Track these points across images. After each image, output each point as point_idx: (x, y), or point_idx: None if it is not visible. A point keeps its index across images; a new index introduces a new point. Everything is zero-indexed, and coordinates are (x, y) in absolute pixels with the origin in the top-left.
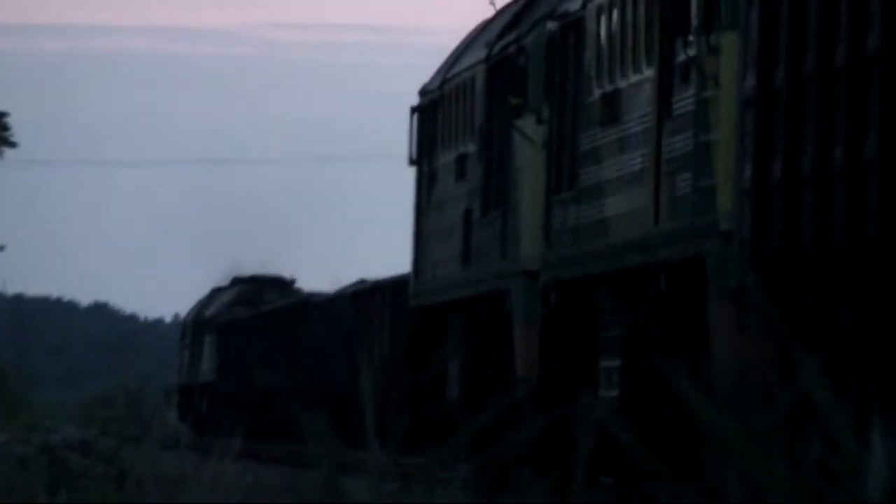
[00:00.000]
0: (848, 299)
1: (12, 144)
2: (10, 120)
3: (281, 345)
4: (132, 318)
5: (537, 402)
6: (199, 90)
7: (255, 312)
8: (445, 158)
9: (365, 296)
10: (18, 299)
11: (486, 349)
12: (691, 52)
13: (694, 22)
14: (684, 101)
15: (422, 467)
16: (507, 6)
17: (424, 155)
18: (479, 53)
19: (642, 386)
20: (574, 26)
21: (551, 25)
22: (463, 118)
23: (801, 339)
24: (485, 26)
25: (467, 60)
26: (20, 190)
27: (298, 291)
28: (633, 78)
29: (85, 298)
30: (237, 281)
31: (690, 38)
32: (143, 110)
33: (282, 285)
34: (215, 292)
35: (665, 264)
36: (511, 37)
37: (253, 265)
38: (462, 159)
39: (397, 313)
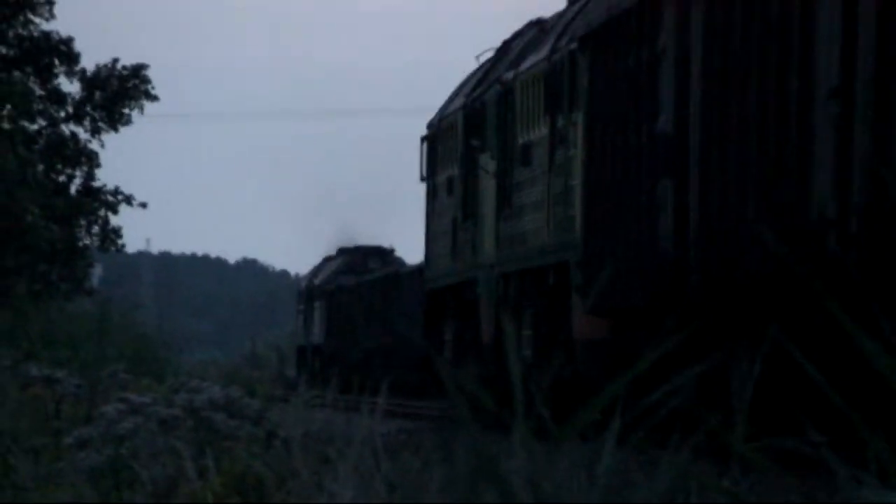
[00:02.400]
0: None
1: (153, 98)
2: (149, 73)
3: (378, 310)
4: (283, 275)
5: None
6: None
7: (357, 281)
8: (441, 178)
9: None
10: (165, 257)
11: (467, 321)
12: (561, 123)
13: (564, 103)
14: (560, 156)
15: (568, 429)
16: (486, 61)
17: (430, 174)
18: (460, 101)
19: (546, 349)
20: (510, 91)
21: (498, 88)
22: (451, 149)
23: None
24: (469, 77)
25: (454, 105)
26: (163, 145)
27: (397, 260)
28: (536, 135)
29: (233, 255)
30: (343, 251)
31: (561, 113)
32: (282, 55)
33: (382, 254)
34: (325, 261)
35: (552, 266)
36: (477, 92)
37: (362, 233)
38: (451, 180)
39: None
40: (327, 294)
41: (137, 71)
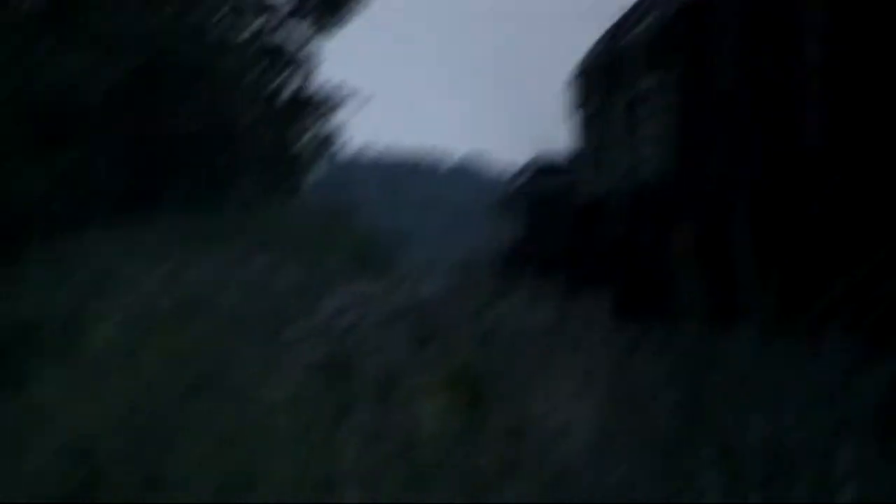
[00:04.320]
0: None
1: None
2: None
3: None
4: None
5: None
6: None
7: (555, 185)
8: (588, 110)
9: None
10: (389, 155)
11: None
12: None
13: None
14: (645, 107)
15: (802, 324)
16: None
17: (580, 105)
18: (596, 51)
19: None
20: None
21: None
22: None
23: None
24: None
25: (594, 54)
26: (387, 37)
27: None
28: (642, 83)
29: (458, 151)
30: (541, 159)
31: None
32: None
33: None
34: (524, 168)
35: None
36: (606, 45)
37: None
38: (593, 113)
39: None
40: (527, 198)
41: None
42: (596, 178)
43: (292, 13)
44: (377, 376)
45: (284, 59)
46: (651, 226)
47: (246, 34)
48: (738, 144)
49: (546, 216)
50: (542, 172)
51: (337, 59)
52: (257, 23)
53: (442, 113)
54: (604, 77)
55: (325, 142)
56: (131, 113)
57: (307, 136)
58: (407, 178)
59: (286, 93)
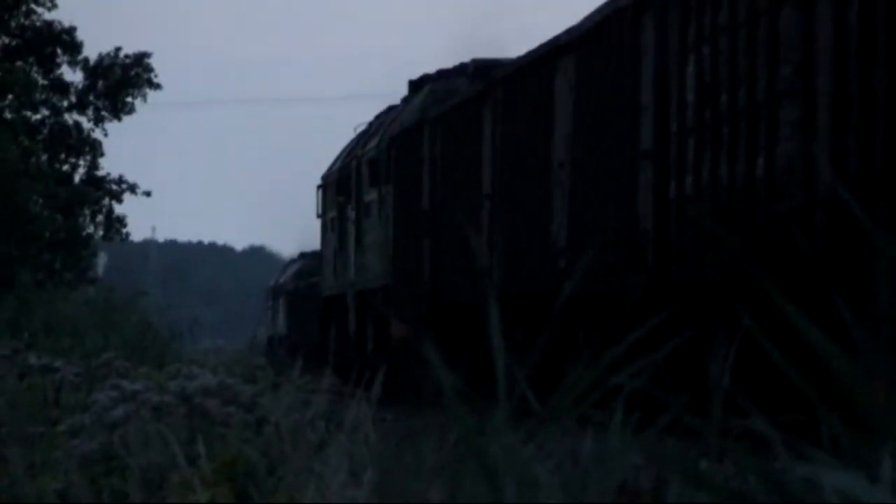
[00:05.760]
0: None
1: (156, 86)
2: (151, 61)
3: None
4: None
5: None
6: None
7: (309, 282)
8: (328, 217)
9: None
10: (171, 245)
11: (343, 319)
12: (384, 191)
13: (383, 178)
14: (383, 214)
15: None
16: (360, 132)
17: (322, 213)
18: (339, 164)
19: (381, 343)
20: (359, 164)
21: (355, 161)
22: (332, 198)
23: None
24: (350, 142)
25: (336, 166)
26: (166, 133)
27: None
28: (371, 197)
29: (240, 243)
30: (302, 255)
31: (384, 185)
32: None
33: None
34: (289, 264)
35: (381, 287)
36: (347, 160)
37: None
38: (332, 220)
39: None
40: (288, 293)
41: (140, 59)
42: (335, 279)
43: (80, 100)
44: (147, 469)
45: (73, 146)
46: (376, 321)
47: (35, 119)
48: (443, 254)
49: (303, 310)
50: (302, 269)
51: (126, 147)
52: (46, 109)
53: (222, 206)
54: (339, 189)
55: (113, 228)
56: None
57: (96, 222)
58: (191, 268)
59: (75, 178)
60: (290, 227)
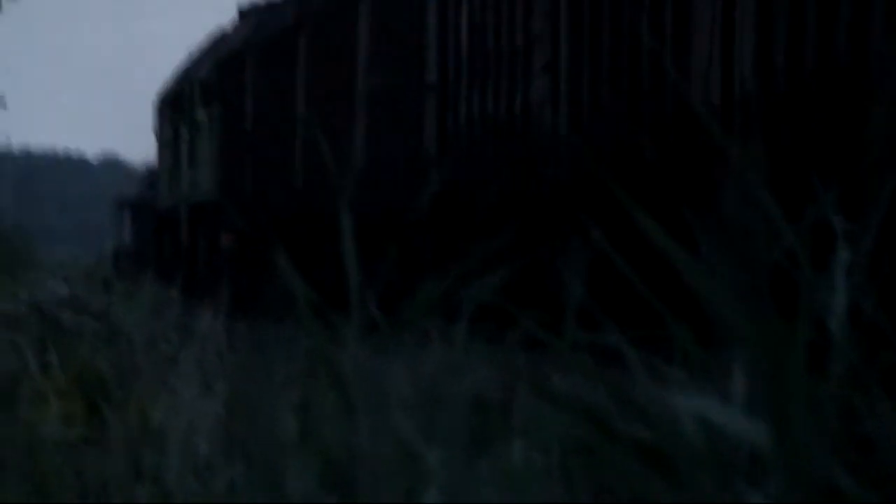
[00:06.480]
0: None
1: None
2: None
3: None
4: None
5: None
6: None
7: (153, 195)
8: (165, 135)
9: None
10: (25, 154)
11: (175, 233)
12: (213, 111)
13: (214, 99)
14: (213, 131)
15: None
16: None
17: (159, 131)
18: (173, 85)
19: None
20: (192, 85)
21: (189, 82)
22: (168, 116)
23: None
24: (186, 59)
25: (169, 88)
26: (21, 42)
27: None
28: (202, 116)
29: (96, 153)
30: (149, 169)
31: (212, 105)
32: None
33: None
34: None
35: (211, 202)
36: (182, 81)
37: None
38: (169, 139)
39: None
40: (132, 205)
41: None
42: (169, 193)
43: None
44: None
45: None
46: (207, 233)
47: None
48: (264, 171)
49: (145, 223)
50: (147, 181)
51: None
52: None
53: (74, 112)
54: (174, 107)
55: None
56: None
57: None
58: (45, 175)
59: None
60: (148, 137)
